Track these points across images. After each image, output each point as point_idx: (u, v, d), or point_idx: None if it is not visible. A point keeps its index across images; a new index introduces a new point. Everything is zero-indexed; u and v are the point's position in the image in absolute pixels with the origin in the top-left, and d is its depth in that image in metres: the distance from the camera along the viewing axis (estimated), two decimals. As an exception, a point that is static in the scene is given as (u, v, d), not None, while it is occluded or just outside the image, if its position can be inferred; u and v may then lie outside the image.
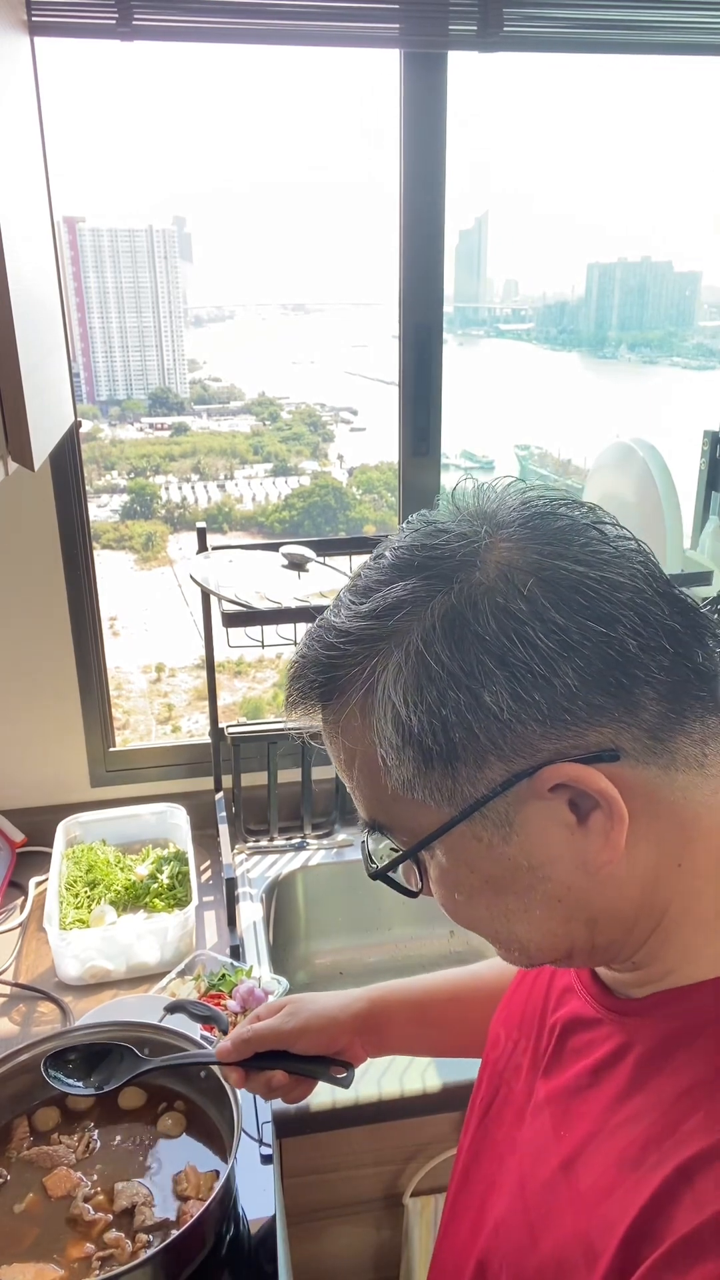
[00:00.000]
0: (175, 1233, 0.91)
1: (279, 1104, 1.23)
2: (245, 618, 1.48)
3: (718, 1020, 0.57)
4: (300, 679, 0.60)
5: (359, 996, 0.92)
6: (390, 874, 0.61)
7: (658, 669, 0.53)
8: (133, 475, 4.33)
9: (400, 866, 0.61)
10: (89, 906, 1.57)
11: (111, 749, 1.86)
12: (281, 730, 1.76)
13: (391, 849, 0.61)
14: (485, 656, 0.52)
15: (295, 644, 1.55)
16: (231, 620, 1.48)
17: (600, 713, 0.52)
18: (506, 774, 0.54)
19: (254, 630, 1.53)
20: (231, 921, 1.54)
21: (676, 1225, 0.51)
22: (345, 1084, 0.89)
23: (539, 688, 0.52)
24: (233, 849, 1.72)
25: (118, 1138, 1.06)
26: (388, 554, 0.58)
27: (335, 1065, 0.89)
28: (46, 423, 1.24)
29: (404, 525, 0.60)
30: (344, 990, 0.94)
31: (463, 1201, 0.77)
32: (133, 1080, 0.95)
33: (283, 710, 0.63)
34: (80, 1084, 0.95)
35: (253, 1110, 1.23)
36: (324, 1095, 1.25)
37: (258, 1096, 1.19)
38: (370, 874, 0.62)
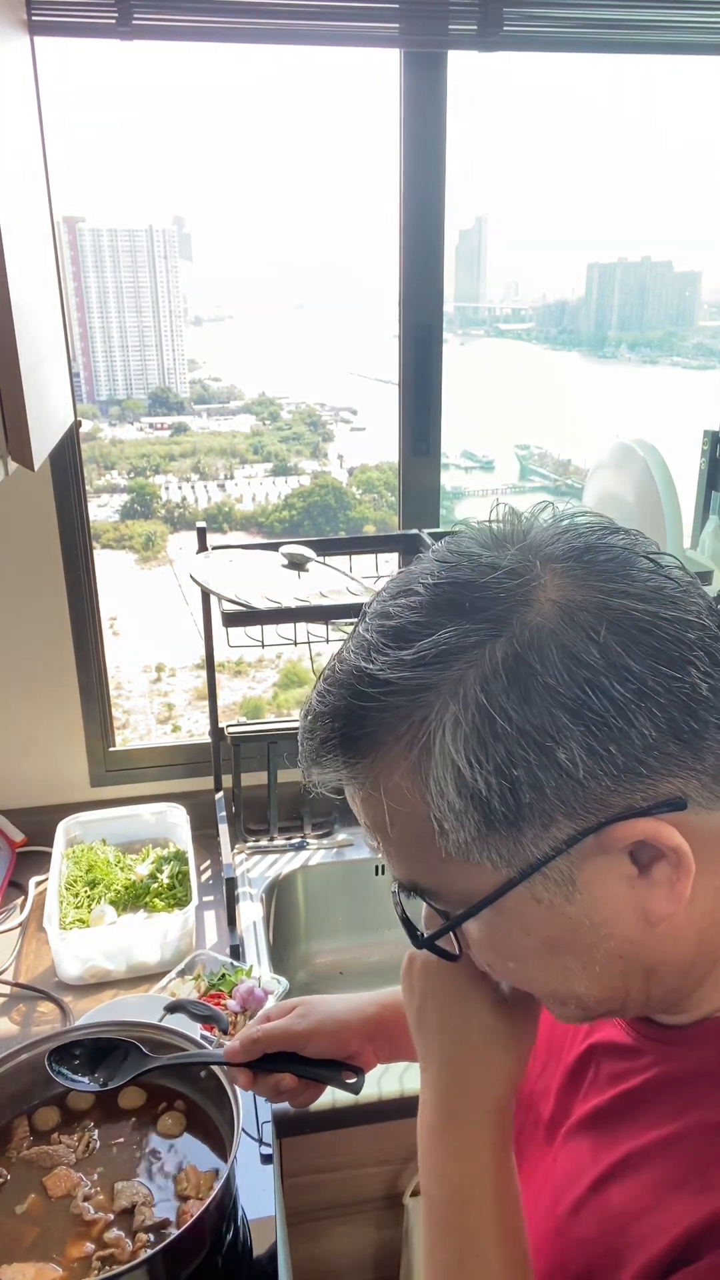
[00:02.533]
0: (175, 1232, 0.91)
1: (279, 1103, 1.22)
2: (245, 617, 1.48)
3: None
4: (323, 731, 0.54)
5: (371, 1001, 0.90)
6: (457, 927, 0.56)
7: None
8: (133, 475, 4.33)
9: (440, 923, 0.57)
10: (89, 906, 1.56)
11: (111, 749, 1.86)
12: (282, 731, 1.77)
13: (435, 909, 0.57)
14: (558, 710, 0.48)
15: (295, 644, 1.56)
16: (231, 620, 1.48)
17: (672, 761, 0.49)
18: (573, 831, 0.50)
19: (254, 630, 1.53)
20: (231, 921, 1.54)
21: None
22: (355, 1090, 0.87)
23: (615, 740, 0.48)
24: (233, 849, 1.72)
25: (118, 1137, 1.06)
26: (421, 590, 0.52)
27: (345, 1070, 0.87)
28: (46, 422, 1.24)
29: (432, 555, 0.55)
30: (356, 994, 0.92)
31: None
32: (138, 1078, 0.95)
33: (301, 765, 0.57)
34: (84, 1079, 0.95)
35: (253, 1110, 1.23)
36: (324, 1095, 1.24)
37: (259, 1097, 1.19)
38: (417, 944, 0.58)
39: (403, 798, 0.52)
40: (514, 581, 0.50)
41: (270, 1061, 0.87)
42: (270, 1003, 1.39)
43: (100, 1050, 0.97)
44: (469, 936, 0.57)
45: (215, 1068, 1.04)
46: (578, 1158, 0.65)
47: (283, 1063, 0.87)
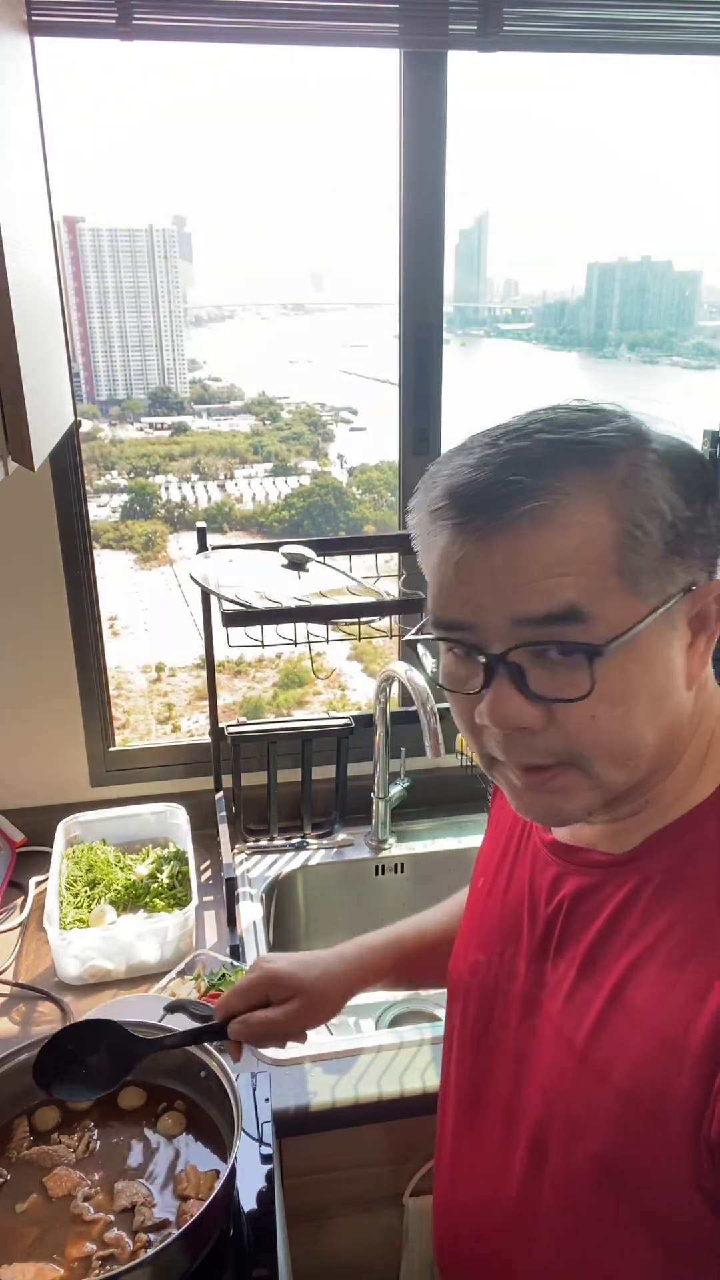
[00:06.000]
0: (175, 1232, 0.91)
1: (279, 1104, 1.23)
2: (245, 617, 1.48)
3: (714, 835, 0.68)
4: (569, 456, 0.62)
5: (344, 964, 1.02)
6: (597, 658, 0.62)
7: None
8: (133, 475, 4.33)
9: (571, 670, 0.63)
10: (89, 906, 1.57)
11: (111, 749, 1.86)
12: (282, 731, 1.77)
13: (573, 643, 0.63)
14: (709, 480, 0.64)
15: (295, 644, 1.56)
16: (231, 620, 1.48)
17: None
18: (689, 580, 0.64)
19: (254, 630, 1.53)
20: (231, 921, 1.54)
21: None
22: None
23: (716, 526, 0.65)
24: (233, 849, 1.72)
25: (118, 1137, 1.06)
26: (564, 411, 0.66)
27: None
28: (46, 422, 1.24)
29: (525, 422, 0.66)
30: (320, 958, 1.02)
31: (483, 1116, 0.82)
32: (139, 1067, 0.96)
33: (482, 512, 0.63)
34: (83, 1087, 0.95)
35: (253, 1110, 1.23)
36: (324, 1095, 1.25)
37: (259, 1097, 1.20)
38: (592, 652, 0.62)
39: (601, 525, 0.62)
40: (631, 428, 0.64)
41: None
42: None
43: (85, 1046, 0.97)
44: (600, 675, 0.63)
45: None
46: (580, 997, 0.72)
47: None
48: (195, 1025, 1.05)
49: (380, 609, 1.56)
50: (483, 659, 0.65)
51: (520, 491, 0.61)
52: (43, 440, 1.20)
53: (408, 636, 0.73)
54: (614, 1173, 0.68)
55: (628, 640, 0.62)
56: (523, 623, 0.63)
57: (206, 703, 1.77)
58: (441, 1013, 1.63)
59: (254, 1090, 1.22)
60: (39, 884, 1.68)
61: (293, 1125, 1.24)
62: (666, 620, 0.64)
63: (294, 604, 1.48)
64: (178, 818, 1.73)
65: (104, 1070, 0.97)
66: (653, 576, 0.62)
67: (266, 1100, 1.20)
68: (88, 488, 1.72)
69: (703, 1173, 0.62)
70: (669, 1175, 0.64)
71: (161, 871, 1.63)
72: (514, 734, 0.66)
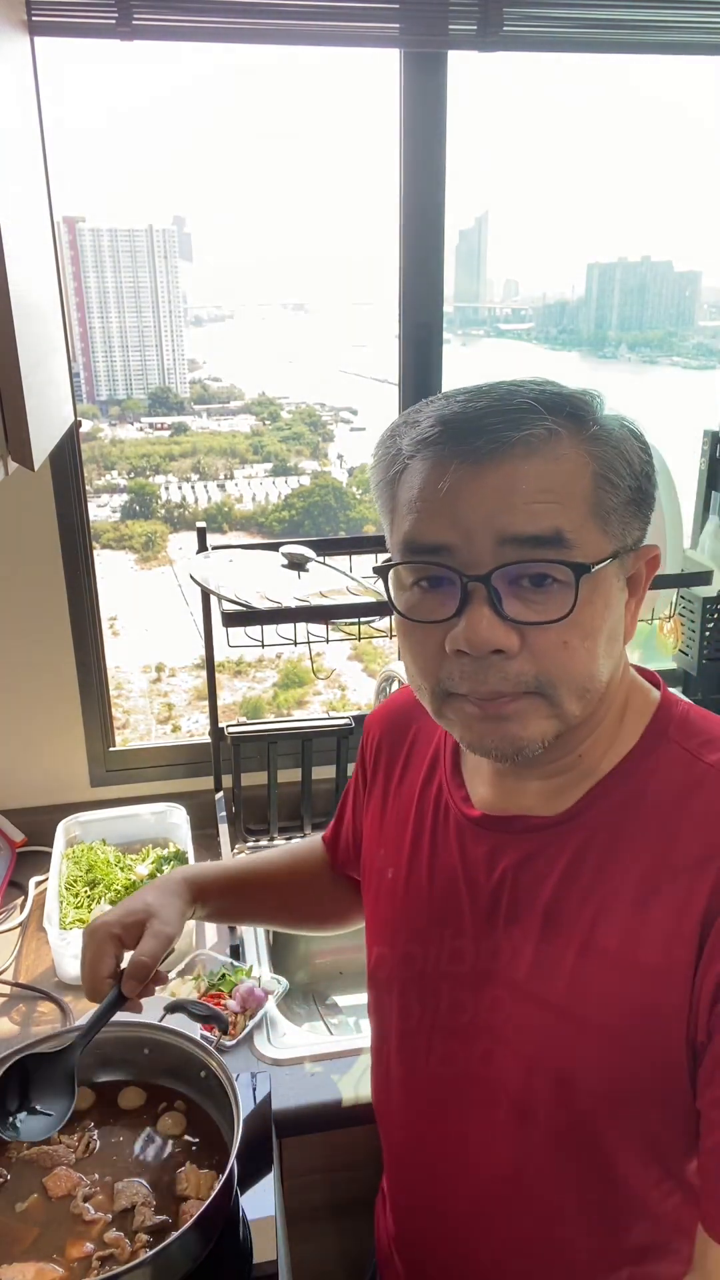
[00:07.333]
0: (175, 1233, 0.91)
1: (279, 1104, 1.23)
2: (245, 617, 1.48)
3: (648, 782, 0.73)
4: (554, 404, 0.68)
5: (175, 886, 1.02)
6: (585, 575, 0.66)
7: None
8: (133, 475, 4.33)
9: (548, 597, 0.67)
10: (89, 906, 1.57)
11: (111, 749, 1.86)
12: (282, 731, 1.77)
13: (557, 561, 0.67)
14: (650, 455, 0.72)
15: (295, 644, 1.56)
16: (231, 620, 1.48)
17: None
18: (640, 538, 0.71)
19: (254, 630, 1.53)
20: (231, 921, 1.54)
21: None
22: None
23: (653, 499, 0.73)
24: (233, 849, 1.72)
25: (118, 1137, 1.06)
26: (536, 378, 0.72)
27: None
28: (46, 423, 1.24)
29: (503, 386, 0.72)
30: (147, 891, 1.01)
31: (453, 1102, 0.82)
32: (78, 1079, 0.95)
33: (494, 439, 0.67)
34: (44, 1121, 0.95)
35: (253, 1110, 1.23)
36: (324, 1095, 1.25)
37: (259, 1097, 1.20)
38: (580, 570, 0.67)
39: (602, 450, 0.68)
40: (597, 396, 0.71)
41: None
42: (270, 1004, 1.39)
43: (23, 1087, 0.95)
44: (580, 601, 0.67)
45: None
46: (548, 956, 0.75)
47: None
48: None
49: (380, 609, 1.56)
50: (463, 581, 0.67)
51: (517, 420, 0.66)
52: (43, 440, 1.20)
53: (376, 565, 0.74)
54: (614, 1109, 0.72)
55: (602, 569, 0.68)
56: (509, 543, 0.66)
57: (206, 703, 1.77)
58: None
59: (254, 1090, 1.22)
60: (39, 884, 1.68)
61: (293, 1125, 1.24)
62: (620, 568, 0.70)
63: (294, 604, 1.48)
64: (177, 818, 1.73)
65: (54, 1096, 0.96)
66: (619, 521, 0.69)
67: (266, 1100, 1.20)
68: (88, 488, 1.72)
69: (692, 1078, 0.68)
70: (669, 1093, 0.69)
71: (161, 871, 1.63)
72: (483, 661, 0.67)
